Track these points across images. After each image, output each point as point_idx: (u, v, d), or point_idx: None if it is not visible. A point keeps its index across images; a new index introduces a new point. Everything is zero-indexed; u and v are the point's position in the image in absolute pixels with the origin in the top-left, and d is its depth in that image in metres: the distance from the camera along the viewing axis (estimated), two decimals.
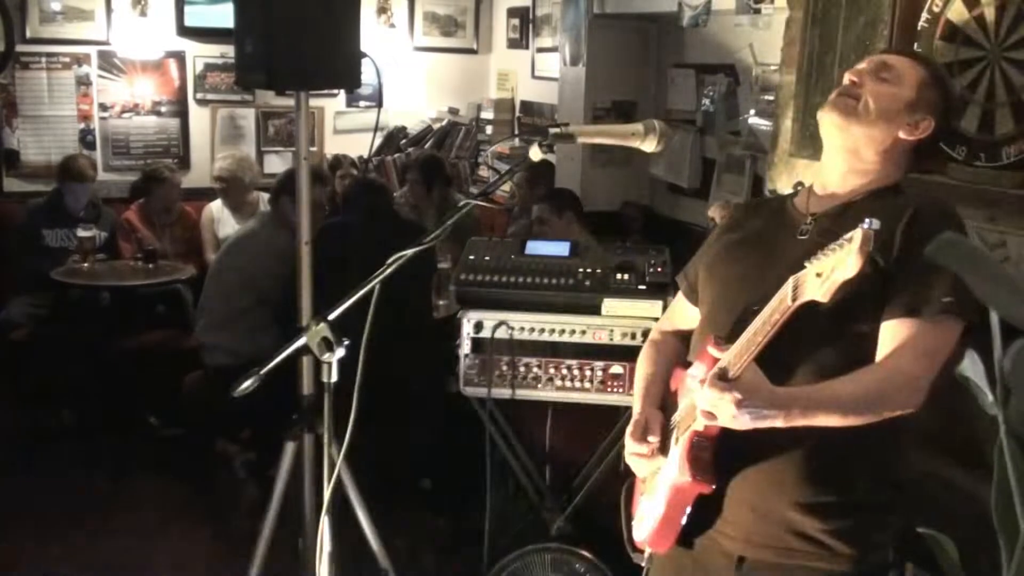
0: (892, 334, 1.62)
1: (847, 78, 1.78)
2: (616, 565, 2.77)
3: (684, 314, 2.03)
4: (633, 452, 1.87)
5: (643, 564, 1.92)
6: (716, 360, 1.62)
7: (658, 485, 1.84)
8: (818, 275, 1.41)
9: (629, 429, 1.89)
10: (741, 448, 1.65)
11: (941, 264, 0.77)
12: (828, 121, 1.77)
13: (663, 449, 1.84)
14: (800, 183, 2.89)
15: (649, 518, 1.85)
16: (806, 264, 1.44)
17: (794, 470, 1.67)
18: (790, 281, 1.48)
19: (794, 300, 1.46)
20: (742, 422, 1.55)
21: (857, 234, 1.34)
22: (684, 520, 1.77)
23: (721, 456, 1.69)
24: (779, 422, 1.56)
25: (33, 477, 4.22)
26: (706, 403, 1.57)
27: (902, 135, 1.74)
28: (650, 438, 1.84)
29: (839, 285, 1.39)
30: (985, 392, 0.77)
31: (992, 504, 0.78)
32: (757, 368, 1.55)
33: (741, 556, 1.74)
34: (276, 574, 2.51)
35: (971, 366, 0.80)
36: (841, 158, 1.78)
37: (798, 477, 1.67)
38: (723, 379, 1.56)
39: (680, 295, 2.04)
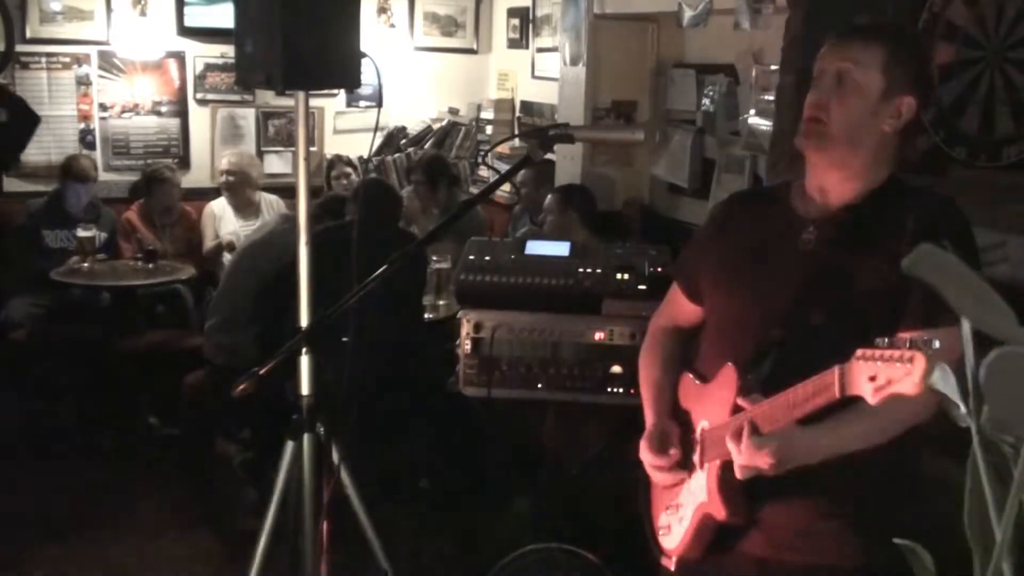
0: None
1: (810, 97, 1.71)
2: (616, 565, 2.77)
3: (684, 311, 2.02)
4: (653, 464, 1.87)
5: (671, 568, 1.93)
6: (740, 406, 1.65)
7: (684, 504, 1.85)
8: (871, 379, 1.36)
9: (644, 442, 1.89)
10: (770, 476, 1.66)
11: (919, 276, 0.77)
12: (806, 150, 1.73)
13: (684, 463, 1.85)
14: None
15: (677, 532, 1.87)
16: (855, 357, 1.39)
17: (818, 485, 1.69)
18: (836, 371, 1.43)
19: (842, 393, 1.43)
20: (778, 470, 1.59)
21: (920, 362, 1.28)
22: (713, 536, 1.80)
23: (750, 483, 1.69)
24: (814, 461, 1.61)
25: (33, 477, 4.22)
26: (744, 459, 1.60)
27: (887, 128, 1.69)
28: (671, 450, 1.85)
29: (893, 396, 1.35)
30: (956, 403, 0.77)
31: (965, 514, 0.77)
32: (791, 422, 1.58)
33: (763, 558, 1.76)
34: (276, 574, 2.51)
35: (941, 378, 0.79)
36: (831, 171, 1.74)
37: (823, 490, 1.70)
38: (756, 433, 1.59)
39: (678, 291, 2.03)
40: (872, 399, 1.36)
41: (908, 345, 1.30)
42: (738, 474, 1.65)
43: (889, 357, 1.32)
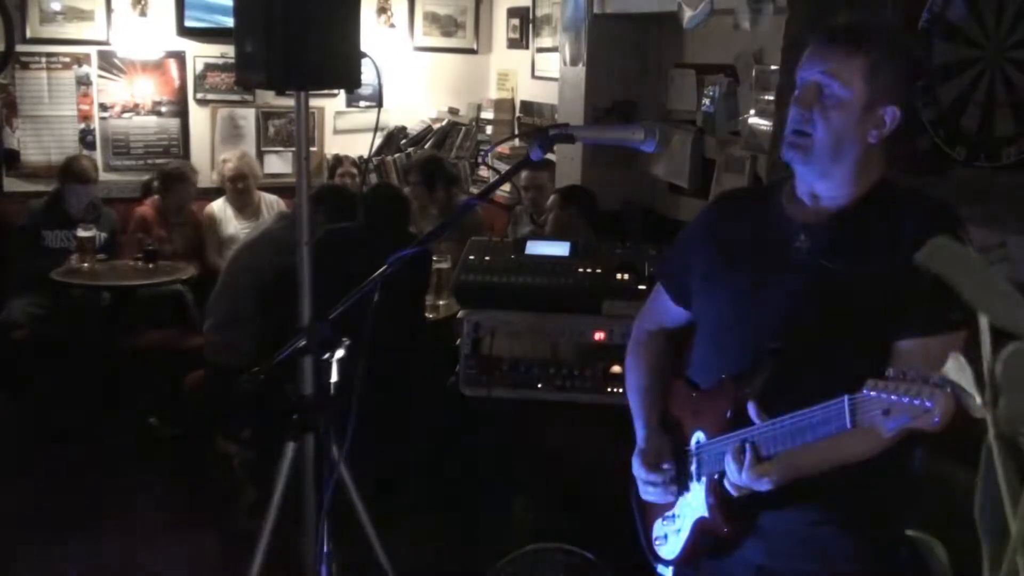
0: (908, 353, 1.60)
1: (793, 110, 1.68)
2: (616, 564, 2.77)
3: (670, 314, 1.99)
4: (647, 480, 1.85)
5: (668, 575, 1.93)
6: (739, 420, 1.64)
7: (680, 515, 1.84)
8: (885, 412, 1.31)
9: (637, 458, 1.87)
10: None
11: (933, 270, 0.76)
12: (792, 163, 1.70)
13: (678, 475, 1.83)
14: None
15: (674, 543, 1.86)
16: (867, 389, 1.34)
17: (816, 491, 1.68)
18: (846, 402, 1.40)
19: (854, 426, 1.40)
20: (775, 487, 1.58)
21: (940, 402, 1.24)
22: (711, 545, 1.79)
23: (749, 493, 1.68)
24: (813, 474, 1.60)
25: (33, 477, 4.22)
26: (744, 482, 1.59)
27: (872, 140, 1.65)
28: (664, 465, 1.82)
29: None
30: (972, 394, 0.77)
31: (976, 507, 0.77)
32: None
33: (761, 565, 1.76)
34: (276, 574, 2.51)
35: (957, 369, 0.80)
36: (819, 181, 1.71)
37: (820, 496, 1.69)
38: (757, 455, 1.57)
39: (663, 293, 2.00)
40: (887, 433, 1.33)
41: (925, 382, 1.26)
42: (732, 491, 1.64)
43: (904, 392, 1.28)
